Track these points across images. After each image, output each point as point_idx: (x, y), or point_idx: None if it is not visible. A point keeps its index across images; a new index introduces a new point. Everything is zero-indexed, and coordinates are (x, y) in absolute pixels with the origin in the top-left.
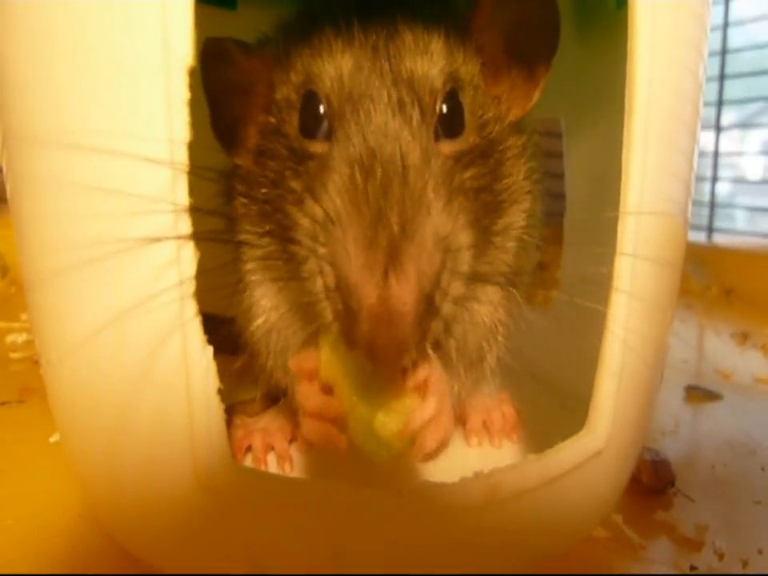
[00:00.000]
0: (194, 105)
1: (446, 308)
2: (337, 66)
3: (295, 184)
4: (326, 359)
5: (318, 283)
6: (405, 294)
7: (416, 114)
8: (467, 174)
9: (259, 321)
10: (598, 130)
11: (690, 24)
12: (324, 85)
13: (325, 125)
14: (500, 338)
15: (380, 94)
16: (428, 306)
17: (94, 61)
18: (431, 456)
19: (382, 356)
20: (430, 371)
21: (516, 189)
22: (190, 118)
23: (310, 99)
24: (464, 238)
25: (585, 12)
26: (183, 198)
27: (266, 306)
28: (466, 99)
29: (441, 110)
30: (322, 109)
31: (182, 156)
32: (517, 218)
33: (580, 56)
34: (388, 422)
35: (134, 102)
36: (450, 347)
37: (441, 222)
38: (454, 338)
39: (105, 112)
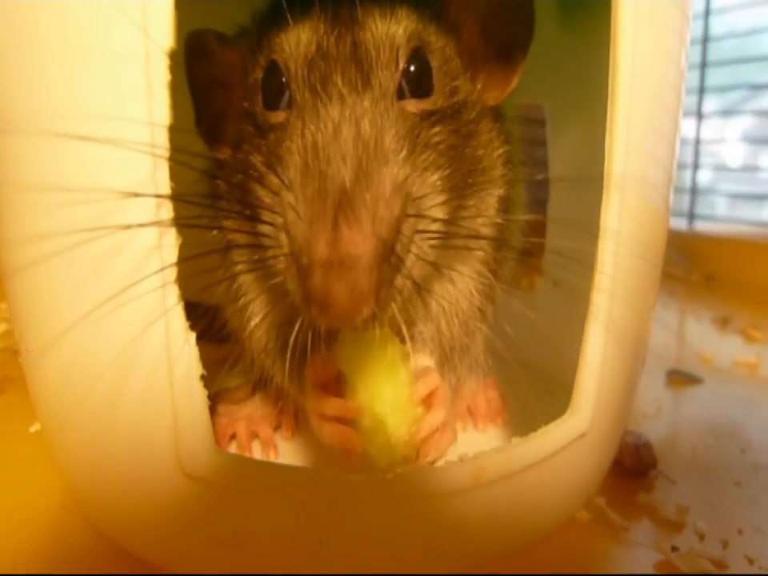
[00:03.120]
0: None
1: (411, 260)
2: (296, 34)
3: (259, 160)
4: (345, 358)
5: (280, 257)
6: (356, 236)
7: (374, 71)
8: (434, 132)
9: (255, 321)
10: (581, 116)
11: (672, 11)
12: (283, 53)
13: (287, 94)
14: (485, 323)
15: (338, 55)
16: (388, 252)
17: (73, 43)
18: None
19: (337, 307)
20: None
21: (488, 171)
22: (175, 104)
23: (271, 70)
24: (428, 184)
25: None
26: (165, 184)
27: (259, 303)
28: (434, 61)
29: (406, 67)
30: (283, 78)
31: (163, 140)
32: (490, 201)
33: (564, 43)
34: (399, 426)
35: (114, 84)
36: (443, 336)
37: (400, 168)
38: (444, 326)
39: (83, 95)
